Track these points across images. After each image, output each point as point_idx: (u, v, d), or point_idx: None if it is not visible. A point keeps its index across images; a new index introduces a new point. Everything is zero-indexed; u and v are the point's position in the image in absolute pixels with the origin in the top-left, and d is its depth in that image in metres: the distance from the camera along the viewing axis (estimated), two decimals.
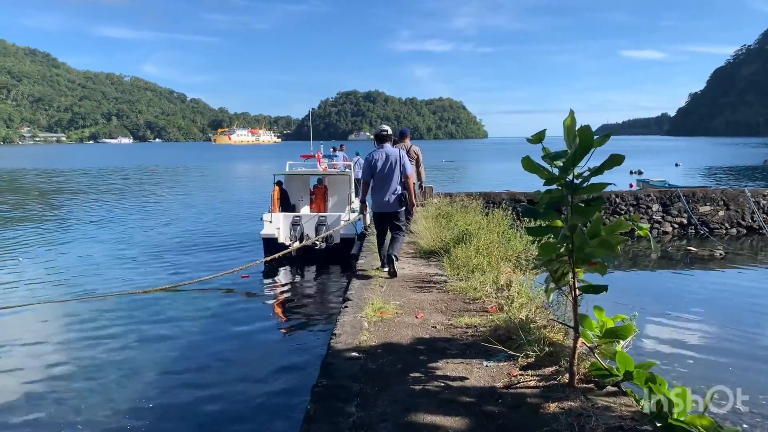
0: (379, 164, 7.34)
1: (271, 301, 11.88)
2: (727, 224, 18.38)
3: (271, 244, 14.32)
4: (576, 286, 3.43)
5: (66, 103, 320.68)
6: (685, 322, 9.88)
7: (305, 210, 17.04)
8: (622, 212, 18.46)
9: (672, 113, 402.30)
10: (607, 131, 3.73)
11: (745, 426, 5.31)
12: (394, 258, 6.95)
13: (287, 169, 17.55)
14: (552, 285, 3.47)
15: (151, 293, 11.69)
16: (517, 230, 7.93)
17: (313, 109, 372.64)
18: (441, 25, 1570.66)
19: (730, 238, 17.99)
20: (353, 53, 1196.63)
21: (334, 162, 19.28)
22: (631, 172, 45.79)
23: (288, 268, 14.26)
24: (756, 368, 7.47)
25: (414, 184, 8.01)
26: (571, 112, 3.49)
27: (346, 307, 5.32)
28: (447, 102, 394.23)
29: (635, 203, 18.56)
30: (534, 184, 3.58)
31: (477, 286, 5.71)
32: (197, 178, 51.05)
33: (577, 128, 3.40)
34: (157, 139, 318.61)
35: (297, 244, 14.10)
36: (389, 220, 7.46)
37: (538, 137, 3.51)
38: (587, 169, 3.49)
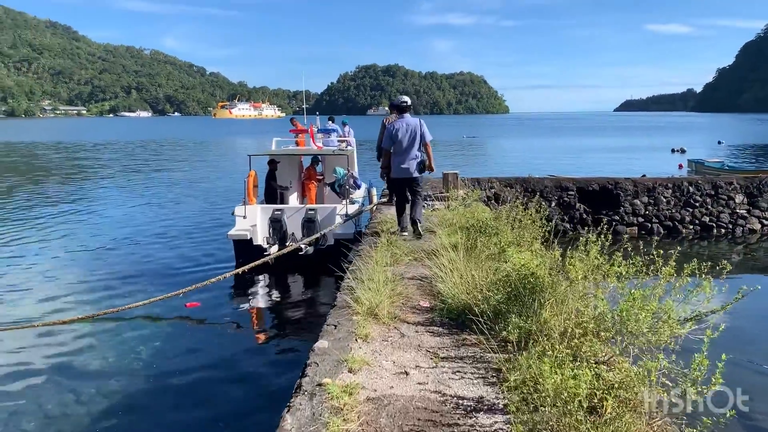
0: (400, 133, 7.73)
1: (230, 333, 8.47)
2: None
3: (244, 248, 10.82)
4: None
5: (86, 76, 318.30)
6: None
7: (294, 200, 13.40)
8: (697, 204, 14.59)
9: (698, 89, 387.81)
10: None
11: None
12: (418, 221, 7.69)
13: (273, 147, 13.92)
14: None
15: (67, 324, 8.41)
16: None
17: (332, 83, 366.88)
18: None
19: None
20: (373, 26, 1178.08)
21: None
22: (672, 151, 41.34)
23: (264, 278, 10.78)
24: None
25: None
26: None
27: None
28: (468, 76, 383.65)
29: (713, 193, 14.66)
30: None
31: None
32: (186, 156, 46.13)
33: None
34: (176, 113, 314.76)
35: (275, 250, 10.57)
36: (409, 186, 7.93)
37: None
38: None
